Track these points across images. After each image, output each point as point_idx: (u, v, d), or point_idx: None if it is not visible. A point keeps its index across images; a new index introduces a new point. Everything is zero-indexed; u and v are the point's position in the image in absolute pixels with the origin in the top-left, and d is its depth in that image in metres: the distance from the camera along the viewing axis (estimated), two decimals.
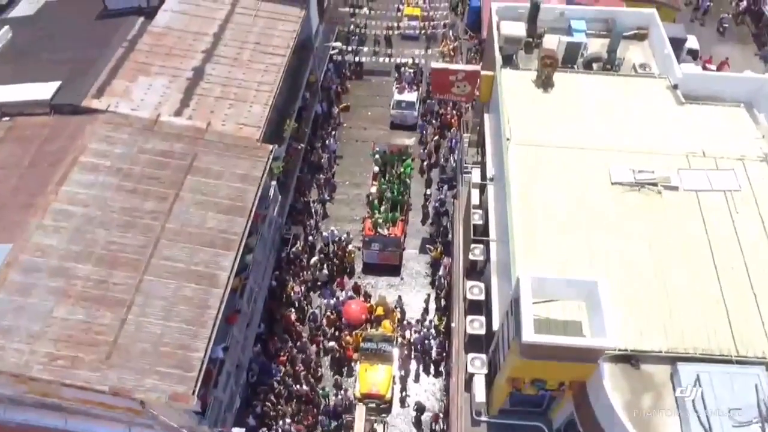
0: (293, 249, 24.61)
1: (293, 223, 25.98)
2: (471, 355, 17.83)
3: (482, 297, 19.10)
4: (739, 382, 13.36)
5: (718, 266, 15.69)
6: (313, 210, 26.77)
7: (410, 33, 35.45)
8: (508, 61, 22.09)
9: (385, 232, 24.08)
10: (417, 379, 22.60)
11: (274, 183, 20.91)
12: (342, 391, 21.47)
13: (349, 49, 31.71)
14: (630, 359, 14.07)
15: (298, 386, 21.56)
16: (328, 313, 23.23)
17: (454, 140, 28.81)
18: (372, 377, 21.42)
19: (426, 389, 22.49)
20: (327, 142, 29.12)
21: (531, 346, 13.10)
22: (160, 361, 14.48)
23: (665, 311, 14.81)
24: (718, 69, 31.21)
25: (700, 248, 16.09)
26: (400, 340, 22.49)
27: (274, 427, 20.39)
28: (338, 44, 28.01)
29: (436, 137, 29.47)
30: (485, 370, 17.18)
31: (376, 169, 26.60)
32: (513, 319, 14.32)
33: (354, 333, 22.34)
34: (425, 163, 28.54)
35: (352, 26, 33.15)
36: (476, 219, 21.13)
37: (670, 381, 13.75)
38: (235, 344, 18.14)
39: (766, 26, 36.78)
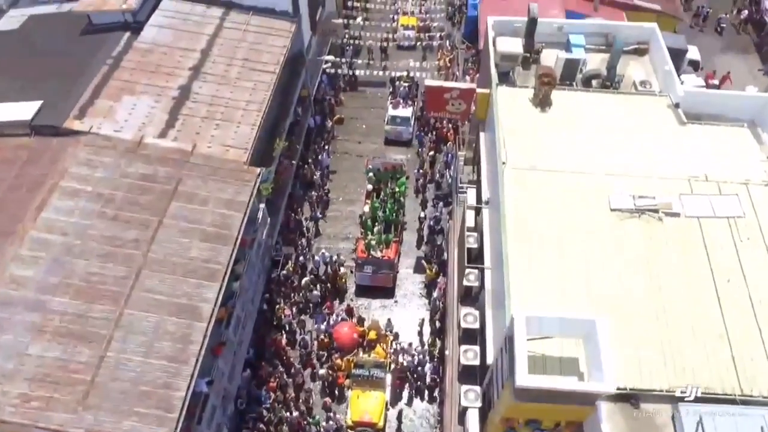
0: (283, 271, 24.13)
1: (285, 242, 25.54)
2: (464, 387, 17.39)
3: (476, 325, 18.65)
4: (744, 425, 12.94)
5: (722, 298, 15.26)
6: (304, 228, 26.28)
7: (406, 43, 34.96)
8: (505, 77, 21.66)
9: (378, 254, 23.64)
10: (410, 404, 22.15)
11: (262, 205, 20.48)
12: (333, 419, 21.00)
13: (343, 61, 31.23)
14: (629, 398, 13.66)
15: (288, 413, 21.11)
16: (322, 337, 22.77)
17: (449, 155, 28.39)
18: (364, 404, 20.98)
19: (420, 415, 22.04)
20: (320, 157, 28.67)
21: (525, 389, 12.65)
22: (139, 402, 14.06)
23: (666, 347, 14.38)
24: (721, 83, 30.82)
25: (703, 279, 15.66)
26: (393, 365, 22.02)
27: None
28: (331, 57, 27.58)
29: (432, 152, 29.00)
30: (479, 404, 16.73)
31: (370, 187, 26.18)
32: (507, 357, 13.88)
33: (345, 358, 21.87)
34: (420, 183, 28.04)
35: (346, 38, 32.59)
36: (471, 242, 20.68)
37: (672, 422, 13.34)
38: (220, 376, 17.69)
39: None
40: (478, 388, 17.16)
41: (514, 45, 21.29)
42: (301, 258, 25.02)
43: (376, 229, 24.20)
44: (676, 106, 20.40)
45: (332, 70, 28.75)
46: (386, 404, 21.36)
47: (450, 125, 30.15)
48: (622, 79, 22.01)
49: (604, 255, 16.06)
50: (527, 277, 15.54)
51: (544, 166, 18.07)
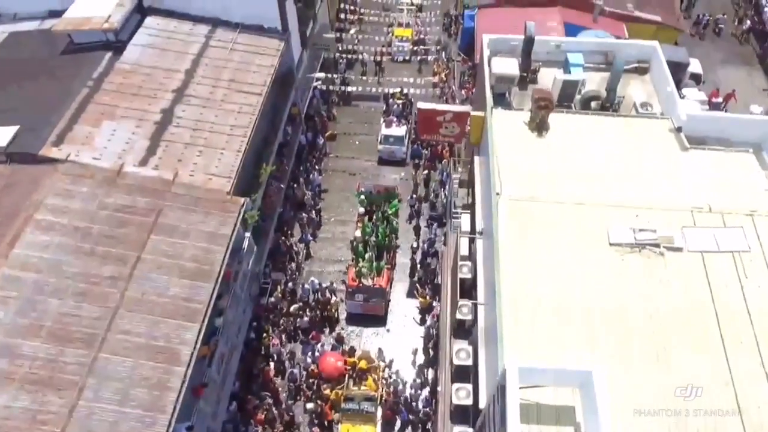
0: (272, 298, 23.50)
1: (274, 267, 24.91)
2: (457, 429, 16.83)
3: (469, 362, 18.04)
4: None
5: (726, 341, 14.63)
6: (294, 252, 25.65)
7: (401, 57, 34.30)
8: (500, 98, 21.09)
9: (369, 282, 23.01)
10: None
11: (248, 234, 19.86)
12: None
13: (336, 76, 30.52)
14: None
15: None
16: (311, 368, 22.14)
17: (444, 173, 27.77)
18: None
19: None
20: (311, 176, 28.05)
21: None
22: None
23: (668, 394, 13.75)
24: (725, 101, 30.15)
25: (707, 320, 15.04)
26: (384, 397, 21.38)
27: None
28: (322, 75, 26.93)
29: (426, 171, 28.34)
30: None
31: (362, 210, 25.52)
32: (499, 406, 13.28)
33: (334, 391, 21.22)
34: (414, 208, 27.34)
35: (338, 53, 31.80)
36: (464, 272, 20.10)
37: None
38: (203, 418, 17.05)
39: None
40: (470, 430, 16.59)
41: (509, 66, 20.67)
42: (290, 284, 24.37)
43: (367, 256, 23.55)
44: (678, 130, 19.81)
45: (324, 87, 28.08)
46: None
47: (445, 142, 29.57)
48: (622, 100, 21.43)
49: (603, 294, 15.45)
50: (521, 320, 14.92)
51: (540, 196, 17.46)
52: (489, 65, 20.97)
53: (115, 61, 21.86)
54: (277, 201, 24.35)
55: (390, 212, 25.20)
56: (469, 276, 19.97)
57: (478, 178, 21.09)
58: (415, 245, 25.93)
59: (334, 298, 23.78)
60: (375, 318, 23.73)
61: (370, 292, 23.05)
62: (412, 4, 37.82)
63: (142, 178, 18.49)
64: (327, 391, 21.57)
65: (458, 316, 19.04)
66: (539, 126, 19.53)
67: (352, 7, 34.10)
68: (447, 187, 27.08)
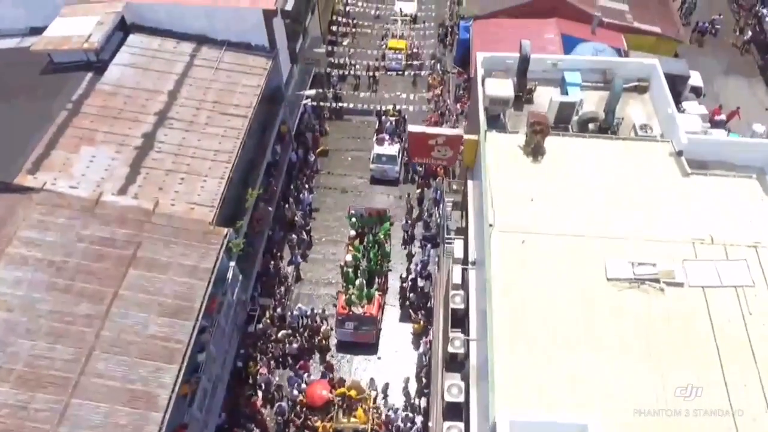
0: (260, 324, 22.89)
1: (263, 291, 24.32)
2: None
3: (461, 399, 17.43)
4: None
5: (729, 384, 14.01)
6: (283, 276, 25.01)
7: (394, 64, 33.66)
8: (495, 120, 20.46)
9: (360, 310, 22.39)
10: None
11: (232, 264, 19.24)
12: None
13: (328, 92, 29.80)
14: None
15: None
16: (300, 398, 21.53)
17: (438, 191, 27.13)
18: None
19: None
20: (302, 195, 27.41)
21: None
22: None
23: None
24: (728, 118, 29.50)
25: (709, 361, 14.41)
26: (375, 429, 20.78)
27: None
28: (312, 92, 26.30)
29: (420, 190, 27.72)
30: None
31: (353, 233, 24.90)
32: None
33: (322, 424, 20.61)
34: (408, 234, 26.72)
35: (329, 67, 31.07)
36: (457, 302, 19.48)
37: None
38: None
39: None
40: None
41: (504, 88, 20.02)
42: (279, 309, 23.76)
43: (357, 282, 22.90)
44: (679, 154, 19.18)
45: (315, 103, 27.43)
46: None
47: None
48: (621, 122, 20.78)
49: (600, 333, 14.82)
50: (514, 361, 14.31)
51: (535, 228, 16.82)
52: (483, 86, 20.33)
53: (96, 82, 21.27)
54: (265, 223, 23.75)
55: (381, 236, 24.58)
56: (461, 306, 19.38)
57: (472, 203, 20.51)
58: (405, 273, 25.23)
59: (324, 325, 23.15)
60: (366, 345, 23.12)
61: (361, 320, 22.45)
62: (406, 15, 37.20)
63: (121, 207, 17.90)
64: (317, 423, 20.99)
65: (450, 349, 18.45)
66: (534, 151, 18.90)
67: (345, 20, 33.40)
68: (441, 205, 26.48)
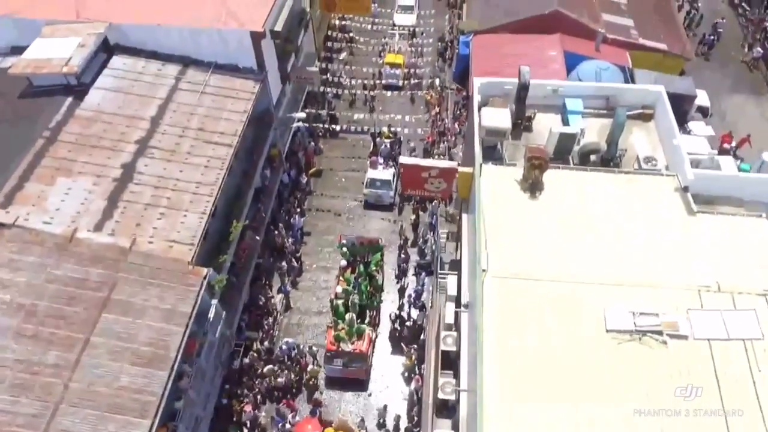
0: (246, 359, 22.09)
1: (250, 320, 23.50)
2: None
3: None
4: None
5: None
6: (271, 306, 24.20)
7: (391, 82, 32.76)
8: (491, 151, 19.62)
9: (349, 347, 21.55)
10: None
11: (215, 302, 18.46)
12: None
13: (322, 112, 28.92)
14: None
15: None
16: None
17: (434, 216, 26.25)
18: None
19: None
20: (292, 219, 26.58)
21: None
22: None
23: None
24: (739, 145, 28.57)
25: (714, 423, 13.55)
26: None
27: None
28: (302, 115, 25.44)
29: (414, 215, 26.85)
30: None
31: (344, 262, 24.08)
32: None
33: None
34: (402, 267, 25.90)
35: (323, 86, 30.18)
36: (448, 343, 18.76)
37: None
38: None
39: None
40: None
41: (500, 118, 19.16)
42: (266, 342, 22.96)
43: (347, 317, 22.07)
44: (685, 189, 18.32)
45: (306, 125, 26.56)
46: None
47: None
48: (625, 153, 19.90)
49: (598, 390, 14.02)
50: (505, 419, 13.51)
51: (531, 272, 15.99)
52: (479, 115, 19.46)
53: (76, 107, 20.49)
54: (252, 252, 22.95)
55: (372, 267, 23.74)
56: (453, 348, 18.59)
57: (466, 238, 19.69)
58: (397, 308, 24.36)
59: (311, 365, 22.30)
60: (356, 381, 22.30)
61: (350, 357, 21.64)
62: (405, 28, 36.31)
63: (97, 245, 17.13)
64: None
65: (441, 395, 17.67)
66: (532, 186, 18.06)
67: (341, 35, 32.50)
68: (436, 231, 25.66)
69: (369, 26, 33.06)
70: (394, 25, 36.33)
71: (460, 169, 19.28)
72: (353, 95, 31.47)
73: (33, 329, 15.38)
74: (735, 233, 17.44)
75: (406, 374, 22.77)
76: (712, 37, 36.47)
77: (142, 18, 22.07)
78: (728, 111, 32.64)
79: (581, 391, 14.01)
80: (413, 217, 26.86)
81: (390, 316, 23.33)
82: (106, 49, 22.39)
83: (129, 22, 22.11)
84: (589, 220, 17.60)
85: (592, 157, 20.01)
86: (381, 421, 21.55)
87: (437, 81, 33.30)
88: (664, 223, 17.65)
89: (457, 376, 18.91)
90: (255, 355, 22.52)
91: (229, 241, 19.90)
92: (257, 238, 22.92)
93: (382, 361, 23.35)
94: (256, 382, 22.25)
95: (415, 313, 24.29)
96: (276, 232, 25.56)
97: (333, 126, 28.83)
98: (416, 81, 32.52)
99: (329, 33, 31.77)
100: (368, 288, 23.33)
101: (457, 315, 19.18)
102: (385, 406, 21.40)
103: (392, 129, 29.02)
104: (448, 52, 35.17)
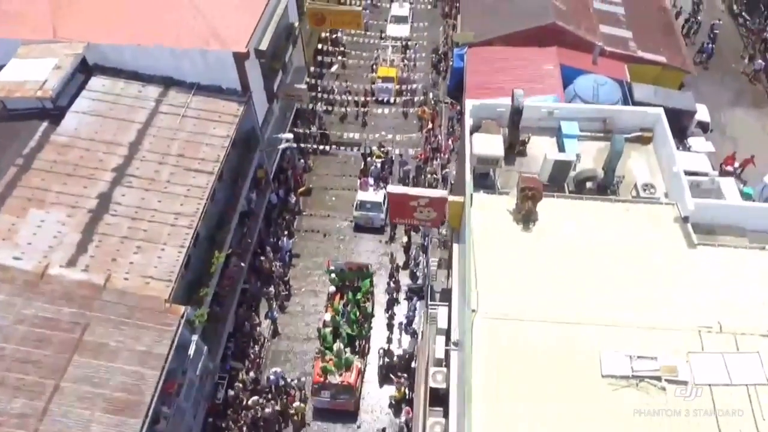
0: (231, 390, 21.40)
1: (236, 349, 22.80)
2: None
3: None
4: None
5: None
6: (257, 334, 23.51)
7: (384, 96, 32.02)
8: (484, 178, 18.96)
9: (337, 379, 20.87)
10: None
11: (195, 337, 17.75)
12: None
13: (310, 132, 28.19)
14: None
15: None
16: None
17: (427, 237, 25.59)
18: None
19: None
20: (280, 242, 25.87)
21: None
22: None
23: None
24: (742, 167, 27.89)
25: None
26: None
27: None
28: (290, 136, 24.70)
29: (407, 238, 26.15)
30: None
31: (332, 288, 23.39)
32: None
33: None
34: (392, 296, 25.16)
35: (312, 102, 29.47)
36: (438, 380, 18.11)
37: None
38: None
39: None
40: None
41: (493, 146, 18.49)
42: (252, 373, 22.27)
43: (335, 347, 21.38)
44: (685, 220, 17.68)
45: (294, 144, 25.83)
46: None
47: None
48: (622, 180, 19.23)
49: None
50: None
51: (523, 313, 15.34)
52: (470, 142, 18.76)
53: (51, 132, 19.76)
54: (237, 280, 22.23)
55: (361, 293, 23.04)
56: (443, 386, 17.93)
57: (456, 268, 19.02)
58: (386, 341, 23.69)
59: (297, 402, 21.59)
60: (345, 413, 21.62)
61: (338, 389, 20.97)
62: (398, 39, 35.53)
63: (69, 282, 16.45)
64: None
65: None
66: (525, 218, 17.41)
67: (332, 48, 31.71)
68: (428, 254, 24.98)
69: (361, 39, 32.27)
70: (387, 37, 35.56)
71: (451, 198, 18.61)
72: (345, 110, 30.70)
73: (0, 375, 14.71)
74: (737, 267, 16.81)
75: (396, 405, 22.11)
76: (710, 46, 35.84)
77: (122, 37, 21.38)
78: (729, 125, 32.01)
79: None
80: (405, 239, 26.17)
81: (378, 352, 22.64)
82: (85, 69, 21.69)
83: (108, 41, 21.41)
84: (585, 254, 16.95)
85: (589, 184, 19.37)
86: None
87: (431, 95, 32.57)
88: (663, 256, 17.01)
89: (446, 414, 18.30)
90: (240, 385, 21.84)
91: (210, 273, 19.19)
92: (242, 264, 22.22)
93: (371, 390, 22.70)
94: (242, 414, 21.59)
95: (406, 339, 23.66)
96: (263, 258, 24.85)
97: (324, 146, 28.04)
98: (408, 98, 31.72)
99: (320, 46, 31.05)
100: (357, 316, 22.65)
101: (447, 349, 18.51)
102: None
103: (383, 149, 28.29)
104: (443, 64, 34.42)
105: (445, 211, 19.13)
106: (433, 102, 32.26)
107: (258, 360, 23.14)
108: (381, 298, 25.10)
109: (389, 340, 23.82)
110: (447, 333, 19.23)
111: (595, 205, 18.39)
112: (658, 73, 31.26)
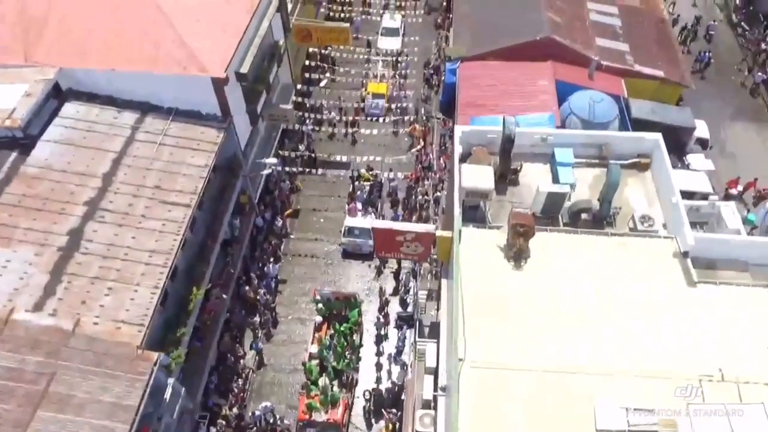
0: (213, 428, 20.65)
1: (219, 383, 22.00)
2: None
3: None
4: None
5: None
6: (240, 367, 22.71)
7: (374, 112, 31.20)
8: (474, 210, 18.16)
9: (322, 416, 20.10)
10: None
11: (171, 381, 16.97)
12: None
13: (295, 155, 27.39)
14: None
15: None
16: None
17: (417, 264, 24.78)
18: None
19: None
20: (266, 268, 25.05)
21: None
22: None
23: None
24: (745, 190, 27.14)
25: None
26: None
27: None
28: (273, 161, 23.89)
29: (396, 264, 25.33)
30: None
31: (319, 318, 22.61)
32: None
33: None
34: (380, 332, 24.32)
35: (299, 123, 28.74)
36: (426, 424, 17.36)
37: None
38: None
39: None
40: None
41: (483, 178, 17.68)
42: (235, 408, 21.50)
43: (321, 382, 20.60)
44: (685, 255, 16.93)
45: (279, 169, 25.00)
46: None
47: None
48: (618, 211, 18.45)
49: None
50: None
51: (513, 360, 14.60)
52: (459, 174, 17.95)
53: (21, 164, 18.95)
54: (220, 313, 21.43)
55: (348, 324, 22.25)
56: (430, 430, 17.16)
57: (444, 306, 18.25)
58: (372, 387, 22.83)
59: None
60: None
61: (324, 427, 20.18)
62: (390, 51, 34.65)
63: (36, 328, 15.68)
64: None
65: None
66: (517, 255, 16.65)
67: (321, 64, 30.82)
68: (417, 282, 24.24)
69: (351, 55, 31.37)
70: (378, 50, 34.66)
71: (439, 233, 17.83)
72: (333, 130, 29.72)
73: None
74: (740, 308, 16.07)
75: None
76: (708, 54, 35.07)
77: (96, 61, 20.54)
78: (728, 141, 31.26)
79: None
80: (395, 265, 25.35)
81: (364, 394, 21.84)
82: (58, 94, 20.86)
83: (82, 66, 20.59)
84: (579, 295, 16.20)
85: (584, 215, 18.61)
86: None
87: (422, 111, 31.73)
88: (662, 296, 16.26)
89: None
90: (223, 422, 21.07)
91: (188, 312, 18.38)
92: (224, 296, 21.43)
93: (360, 425, 21.93)
94: None
95: (395, 370, 22.89)
96: (248, 288, 24.02)
97: (311, 169, 27.28)
98: (399, 117, 30.87)
99: (307, 63, 30.19)
100: (344, 348, 21.87)
101: (435, 389, 17.75)
102: None
103: (372, 172, 27.41)
104: (435, 78, 33.58)
105: (433, 246, 18.36)
106: (424, 118, 31.44)
107: (242, 394, 22.34)
108: (370, 325, 24.37)
109: (378, 378, 23.02)
110: (435, 372, 18.50)
111: (591, 240, 17.62)
112: (656, 88, 30.45)
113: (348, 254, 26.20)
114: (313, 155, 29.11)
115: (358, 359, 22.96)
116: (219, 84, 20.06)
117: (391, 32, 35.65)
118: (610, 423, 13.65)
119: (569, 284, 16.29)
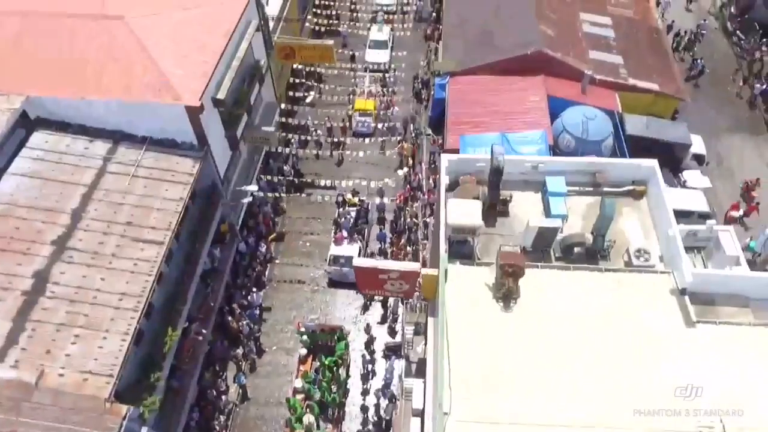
0: None
1: (200, 421, 21.15)
2: None
3: None
4: None
5: None
6: (222, 404, 21.84)
7: (362, 130, 30.33)
8: (461, 244, 17.33)
9: None
10: None
11: (145, 429, 16.08)
12: None
13: (286, 167, 26.43)
14: None
15: None
16: None
17: None
18: None
19: None
20: (250, 297, 24.17)
21: None
22: None
23: None
24: (746, 214, 26.37)
25: None
26: None
27: None
28: (254, 188, 23.02)
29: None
30: None
31: (304, 351, 21.76)
32: None
33: None
34: (368, 370, 23.43)
35: (283, 145, 27.69)
36: None
37: None
38: None
39: None
40: None
41: (470, 213, 16.85)
42: None
43: (305, 420, 19.76)
44: (682, 292, 16.17)
45: (260, 194, 24.12)
46: None
47: (408, 248, 25.71)
48: (613, 245, 17.63)
49: None
50: None
51: (502, 414, 13.83)
52: (445, 208, 17.11)
53: None
54: (199, 351, 20.55)
55: (334, 357, 21.42)
56: None
57: (431, 346, 17.40)
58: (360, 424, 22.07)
59: None
60: None
61: None
62: (378, 65, 33.77)
63: None
64: None
65: None
66: (506, 296, 15.84)
67: (308, 81, 29.91)
68: (408, 307, 23.39)
69: (335, 70, 30.48)
70: (365, 67, 33.84)
71: (424, 271, 17.01)
72: (318, 152, 28.82)
73: None
74: (740, 349, 15.30)
75: None
76: (701, 61, 34.30)
77: (65, 89, 19.63)
78: (725, 154, 30.47)
79: None
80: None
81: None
82: (26, 124, 19.92)
83: (50, 94, 19.66)
84: (571, 339, 15.41)
85: (577, 249, 17.80)
86: None
87: (411, 127, 30.84)
88: (659, 338, 15.48)
89: None
90: None
91: (164, 354, 17.52)
92: (204, 331, 20.55)
93: None
94: None
95: (384, 404, 22.05)
96: (230, 318, 23.15)
97: (296, 193, 26.39)
98: (387, 137, 30.04)
99: (292, 80, 29.24)
100: (330, 381, 21.03)
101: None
102: None
103: (359, 198, 26.47)
104: (425, 92, 32.69)
105: (418, 283, 17.54)
106: (414, 134, 30.55)
107: (225, 431, 21.50)
108: (357, 355, 23.54)
109: (363, 424, 22.12)
110: (422, 415, 17.68)
111: (584, 276, 16.84)
112: (651, 101, 29.69)
113: (334, 282, 25.34)
114: (297, 179, 28.18)
115: (345, 393, 22.12)
116: (194, 112, 19.15)
117: (380, 45, 34.78)
118: None
119: (561, 327, 15.49)
